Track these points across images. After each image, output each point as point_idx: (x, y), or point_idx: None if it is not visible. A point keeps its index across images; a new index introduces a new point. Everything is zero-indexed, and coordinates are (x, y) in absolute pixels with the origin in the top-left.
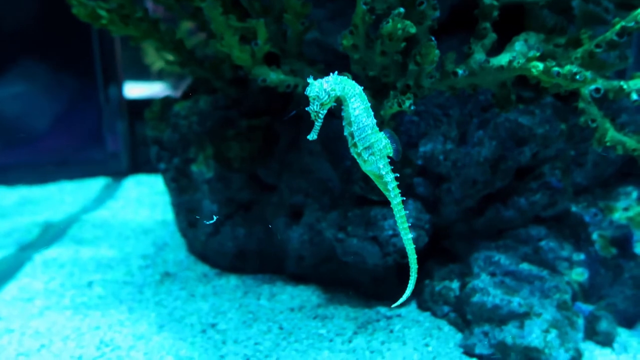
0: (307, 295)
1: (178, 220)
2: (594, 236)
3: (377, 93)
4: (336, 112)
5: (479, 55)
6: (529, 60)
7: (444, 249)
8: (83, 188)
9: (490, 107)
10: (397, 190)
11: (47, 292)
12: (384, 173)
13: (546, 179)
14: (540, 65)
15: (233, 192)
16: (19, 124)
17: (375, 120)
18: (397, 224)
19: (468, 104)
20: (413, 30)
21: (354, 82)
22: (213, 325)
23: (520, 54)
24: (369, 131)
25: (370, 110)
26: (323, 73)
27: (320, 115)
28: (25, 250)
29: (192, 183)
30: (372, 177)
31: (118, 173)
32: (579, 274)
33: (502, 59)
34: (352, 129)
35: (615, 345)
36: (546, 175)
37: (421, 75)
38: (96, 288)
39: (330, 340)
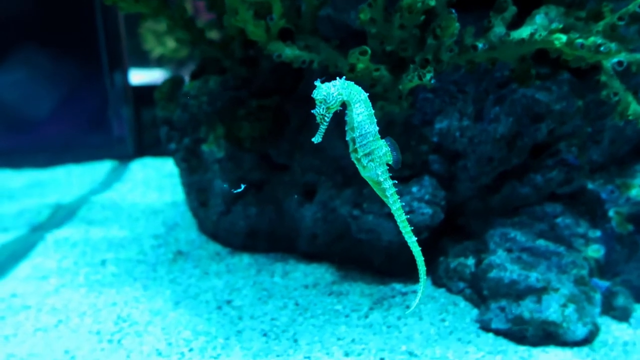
0: (320, 272)
1: (189, 200)
2: (611, 213)
3: (394, 68)
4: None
5: (499, 29)
6: (552, 32)
7: (458, 227)
8: (90, 171)
9: (507, 84)
10: (396, 197)
11: (60, 271)
12: (382, 180)
13: (563, 156)
14: (564, 37)
15: (244, 171)
16: (26, 108)
17: (377, 128)
18: (400, 229)
19: (483, 80)
20: (432, 3)
21: (360, 87)
22: (228, 302)
23: (541, 27)
24: (371, 138)
25: (374, 117)
26: (338, 49)
27: (326, 118)
28: (37, 231)
29: (202, 163)
30: (370, 183)
31: (124, 157)
32: (595, 251)
33: (523, 32)
34: (355, 135)
35: (632, 320)
36: (562, 152)
37: (440, 49)
38: (109, 266)
39: (347, 316)
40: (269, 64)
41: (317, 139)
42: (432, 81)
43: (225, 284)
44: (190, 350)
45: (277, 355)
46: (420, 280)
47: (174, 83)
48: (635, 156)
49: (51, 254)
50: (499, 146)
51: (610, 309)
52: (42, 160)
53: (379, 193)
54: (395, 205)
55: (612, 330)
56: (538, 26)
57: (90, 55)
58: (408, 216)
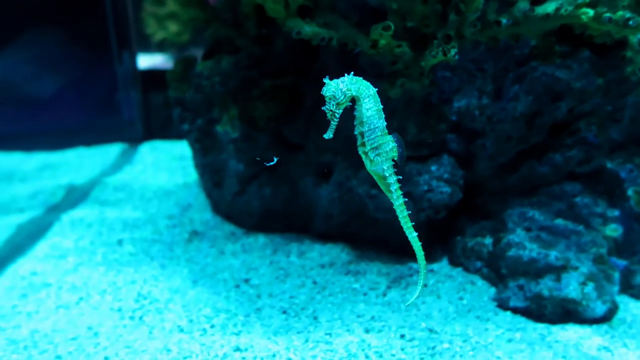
0: (336, 252)
1: (203, 181)
2: (629, 192)
3: (415, 45)
4: (367, 69)
5: (523, 4)
6: (578, 6)
7: (476, 206)
8: (100, 153)
9: (526, 62)
10: (400, 192)
11: (78, 250)
12: (387, 175)
13: (582, 135)
14: (591, 12)
15: (259, 151)
16: (36, 91)
17: (385, 123)
18: (401, 224)
19: (503, 58)
20: None
21: (368, 83)
22: (246, 281)
23: (566, 1)
24: (379, 133)
25: (382, 112)
26: (357, 26)
27: (336, 114)
28: (52, 212)
29: (216, 143)
30: (375, 177)
31: (133, 139)
32: (613, 230)
33: (548, 7)
34: (363, 129)
35: None
36: (582, 131)
37: (464, 25)
38: (126, 246)
39: (365, 294)
40: (283, 43)
41: (328, 135)
42: (457, 57)
43: (242, 263)
44: (212, 326)
45: (298, 332)
46: (420, 274)
47: (186, 63)
48: None
49: (68, 234)
50: (518, 125)
51: (629, 288)
52: (53, 143)
53: (382, 188)
54: (398, 201)
55: (630, 308)
56: (563, 0)
57: (99, 37)
58: (430, 194)
